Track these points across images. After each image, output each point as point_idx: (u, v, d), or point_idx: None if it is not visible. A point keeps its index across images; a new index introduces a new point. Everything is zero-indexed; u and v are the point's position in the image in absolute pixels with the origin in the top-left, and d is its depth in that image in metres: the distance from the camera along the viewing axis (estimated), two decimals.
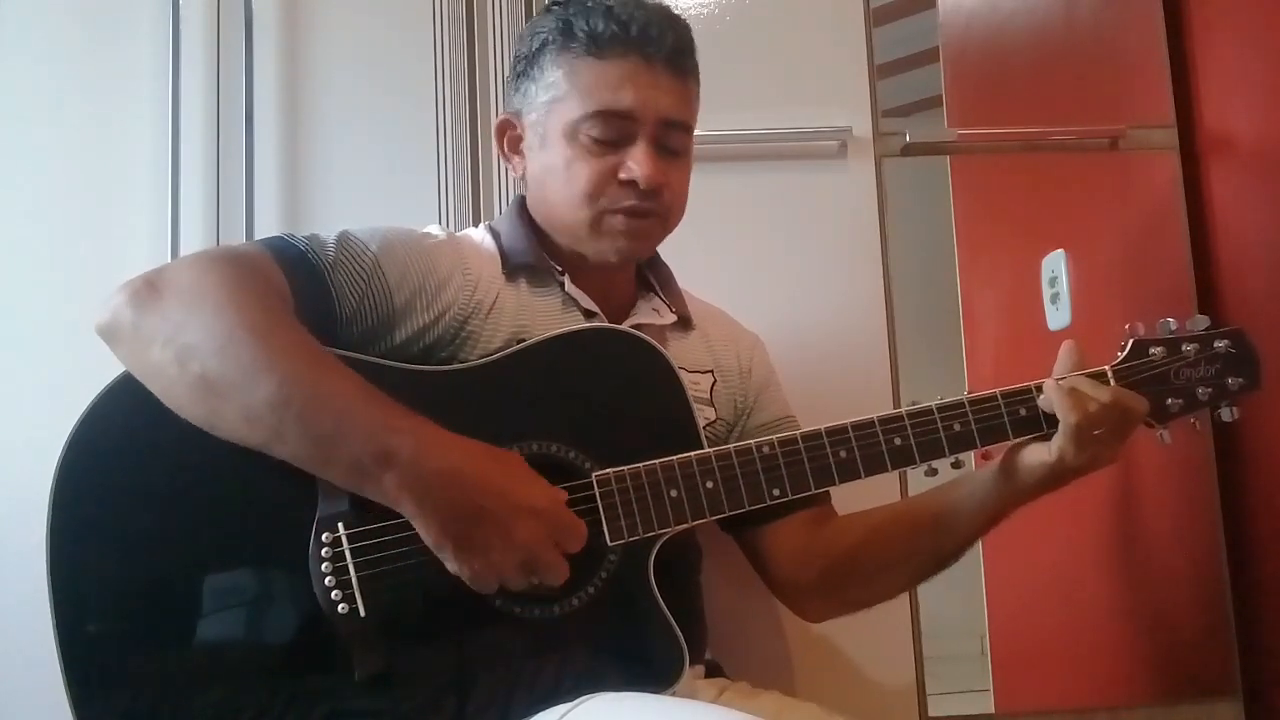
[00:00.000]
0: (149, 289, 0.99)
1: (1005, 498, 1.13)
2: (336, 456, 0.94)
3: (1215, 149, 1.66)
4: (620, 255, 1.18)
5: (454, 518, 0.95)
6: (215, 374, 0.94)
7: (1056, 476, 1.10)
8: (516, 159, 1.22)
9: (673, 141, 1.16)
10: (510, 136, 1.22)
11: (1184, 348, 1.15)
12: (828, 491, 1.22)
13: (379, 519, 0.98)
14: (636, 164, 1.13)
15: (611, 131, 1.13)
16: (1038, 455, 1.09)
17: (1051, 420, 1.09)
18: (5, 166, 1.53)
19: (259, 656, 1.00)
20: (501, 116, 1.22)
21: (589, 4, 1.15)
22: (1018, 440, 1.12)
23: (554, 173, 1.16)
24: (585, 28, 1.13)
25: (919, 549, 1.20)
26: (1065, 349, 1.14)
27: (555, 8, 1.17)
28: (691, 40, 1.18)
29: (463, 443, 0.98)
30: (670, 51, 1.14)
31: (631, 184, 1.13)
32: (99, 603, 0.99)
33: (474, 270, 1.15)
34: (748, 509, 1.09)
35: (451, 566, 0.96)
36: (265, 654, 1.00)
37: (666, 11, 1.17)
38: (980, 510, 1.15)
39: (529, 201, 1.22)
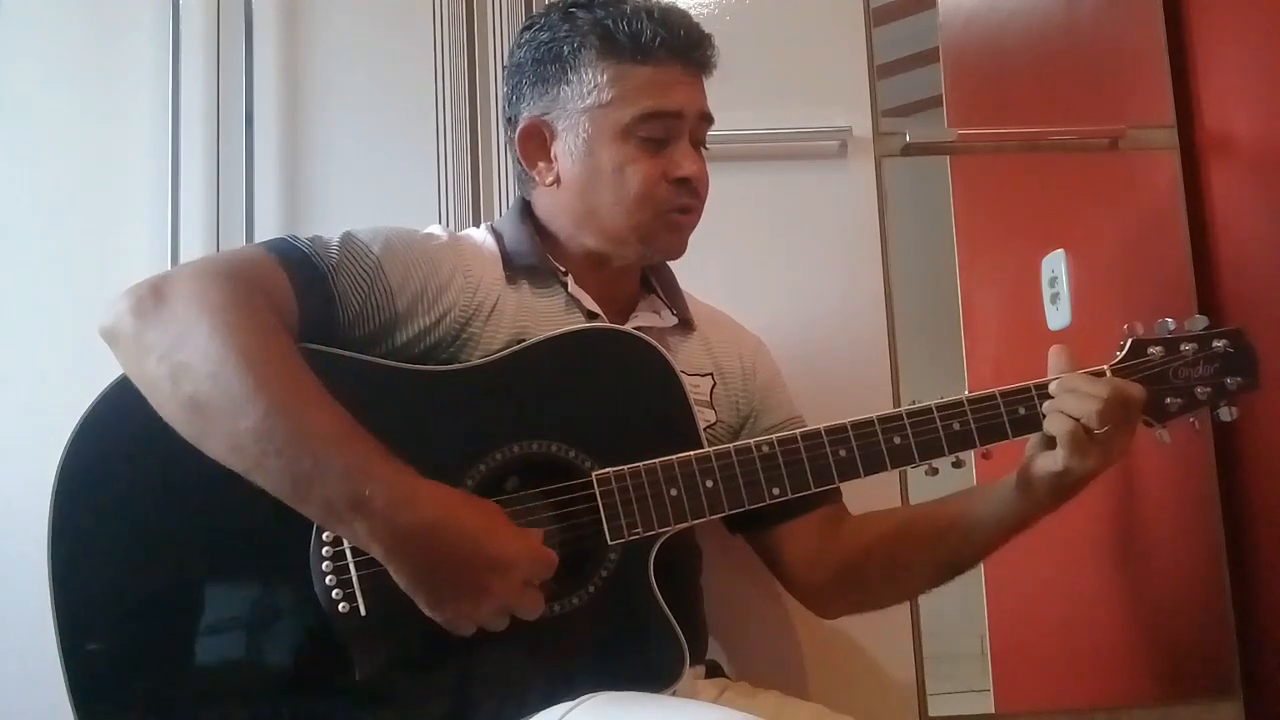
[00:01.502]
0: (153, 297, 0.99)
1: (1023, 512, 1.13)
2: (312, 496, 0.94)
3: (1215, 149, 1.66)
4: (671, 254, 1.23)
5: (425, 571, 0.94)
6: (205, 398, 0.94)
7: (1070, 485, 1.09)
8: (544, 164, 1.20)
9: (703, 136, 1.21)
10: (539, 140, 1.20)
11: (1183, 347, 1.15)
12: (839, 491, 1.23)
13: None
14: (688, 162, 1.16)
15: (660, 131, 1.16)
16: (1047, 466, 1.08)
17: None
18: (5, 166, 1.53)
19: (260, 656, 1.00)
20: (529, 120, 1.20)
21: (622, 8, 1.16)
22: (1028, 455, 1.11)
23: (602, 176, 1.16)
24: (628, 31, 1.14)
25: (935, 559, 1.21)
26: (1055, 353, 1.13)
27: (577, 11, 1.17)
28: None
29: (438, 492, 0.97)
30: (703, 54, 1.19)
31: (683, 182, 1.16)
32: (99, 604, 0.99)
33: (475, 272, 1.15)
34: (747, 508, 1.09)
35: (426, 612, 0.96)
36: (266, 653, 1.01)
37: (687, 12, 1.21)
38: (998, 525, 1.15)
39: (549, 205, 1.22)
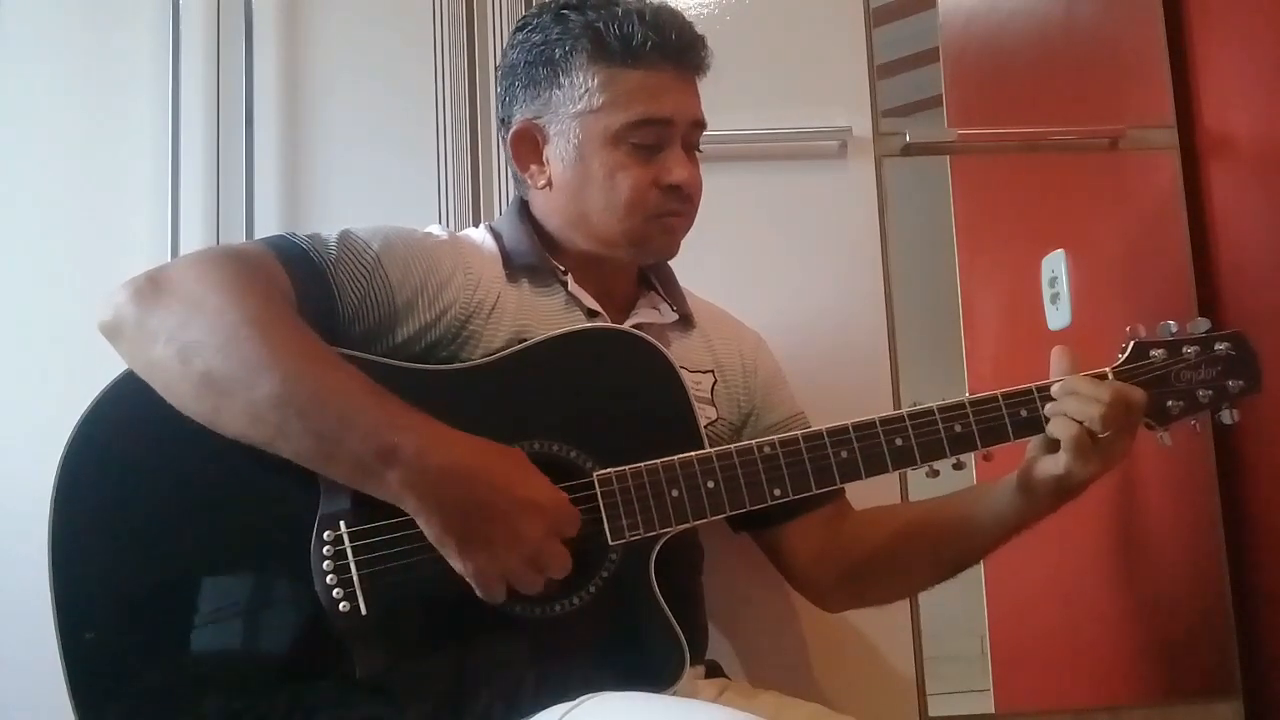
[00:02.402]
0: (151, 286, 0.99)
1: (1023, 513, 1.13)
2: (339, 454, 0.94)
3: (1215, 149, 1.66)
4: (663, 256, 1.23)
5: (457, 514, 0.95)
6: (218, 371, 0.94)
7: (1071, 488, 1.09)
8: (536, 167, 1.20)
9: (696, 140, 1.20)
10: (531, 144, 1.20)
11: (1185, 350, 1.14)
12: (842, 489, 1.23)
13: (380, 517, 0.98)
14: (679, 169, 1.16)
15: (651, 138, 1.15)
16: (1049, 469, 1.09)
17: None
18: (6, 166, 1.53)
19: (260, 654, 1.00)
20: (521, 123, 1.20)
21: (614, 10, 1.15)
22: (1029, 457, 1.12)
23: (593, 182, 1.16)
24: (619, 35, 1.14)
25: (938, 558, 1.22)
26: (1057, 354, 1.13)
27: (569, 12, 1.17)
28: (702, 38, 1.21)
29: (465, 439, 0.98)
30: (696, 57, 1.18)
31: (674, 189, 1.16)
32: (100, 602, 0.99)
33: (475, 270, 1.15)
34: (749, 509, 1.09)
35: (455, 564, 0.96)
36: (266, 652, 1.01)
37: (680, 13, 1.19)
38: (999, 525, 1.16)
39: (543, 206, 1.22)
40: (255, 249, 1.06)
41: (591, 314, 1.19)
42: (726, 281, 1.42)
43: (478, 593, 0.97)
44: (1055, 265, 1.74)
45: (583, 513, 1.04)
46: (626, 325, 1.19)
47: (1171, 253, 1.65)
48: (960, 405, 1.11)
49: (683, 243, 1.24)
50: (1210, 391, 1.14)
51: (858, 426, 1.10)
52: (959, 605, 1.69)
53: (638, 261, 1.24)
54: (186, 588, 1.00)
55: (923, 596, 1.51)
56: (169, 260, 1.46)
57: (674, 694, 1.03)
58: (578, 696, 0.96)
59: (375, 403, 0.96)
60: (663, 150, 1.16)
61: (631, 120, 1.14)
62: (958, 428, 1.10)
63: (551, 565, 0.98)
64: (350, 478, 0.96)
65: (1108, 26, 1.77)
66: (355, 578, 0.98)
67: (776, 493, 1.08)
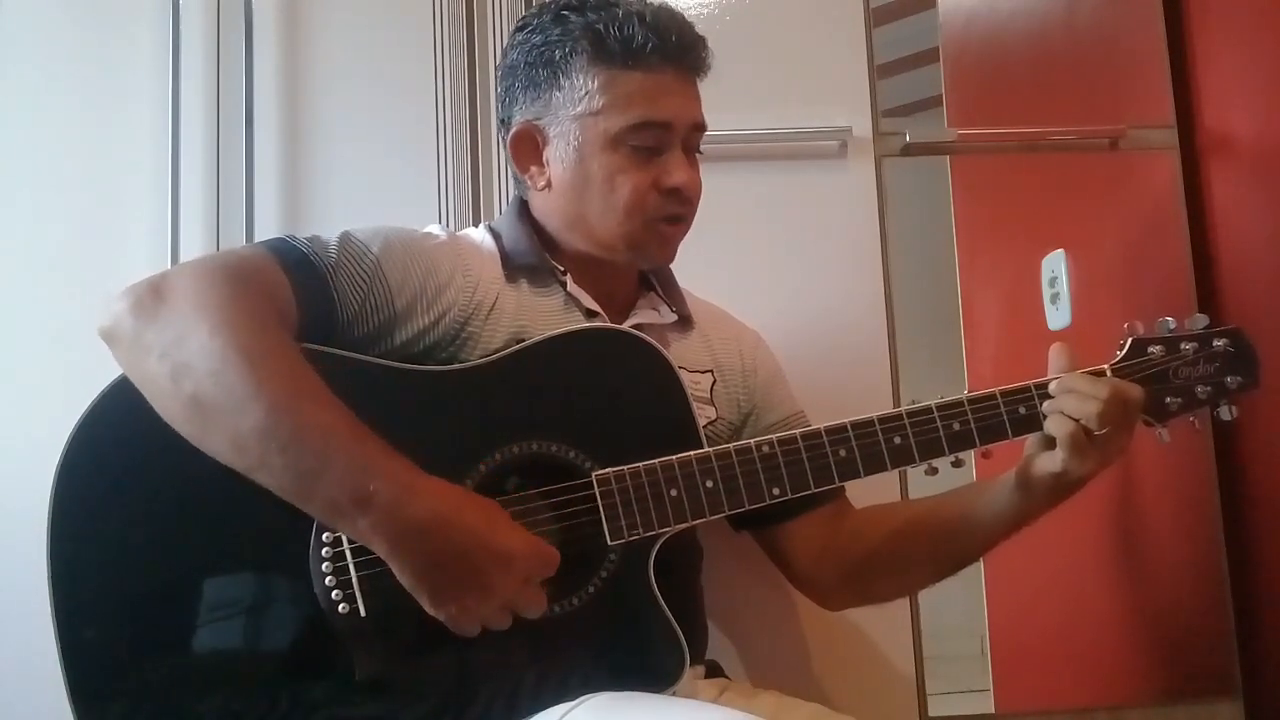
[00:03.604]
0: (152, 296, 0.99)
1: (1021, 510, 1.14)
2: (315, 493, 0.94)
3: (1215, 149, 1.66)
4: (660, 263, 1.23)
5: (428, 567, 0.94)
6: (206, 396, 0.94)
7: (1069, 485, 1.10)
8: (535, 168, 1.20)
9: (696, 143, 1.20)
10: (531, 145, 1.20)
11: (1183, 346, 1.14)
12: (842, 487, 1.23)
13: None
14: (679, 172, 1.16)
15: (651, 140, 1.15)
16: (1046, 467, 1.09)
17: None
18: (5, 166, 1.53)
19: (259, 656, 1.00)
20: (521, 125, 1.20)
21: (614, 12, 1.15)
22: (1027, 454, 1.12)
23: (593, 184, 1.16)
24: (619, 36, 1.13)
25: (939, 556, 1.22)
26: (1055, 352, 1.13)
27: (569, 14, 1.17)
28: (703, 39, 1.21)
29: (441, 488, 0.96)
30: (696, 59, 1.18)
31: (674, 192, 1.16)
32: (99, 604, 0.99)
33: (474, 271, 1.15)
34: (748, 508, 1.09)
35: (428, 610, 0.95)
36: (265, 653, 1.01)
37: (681, 14, 1.19)
38: (998, 522, 1.16)
39: (542, 207, 1.22)
40: (257, 255, 1.06)
41: (590, 314, 1.19)
42: (726, 281, 1.42)
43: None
44: (1055, 265, 1.74)
45: (582, 513, 1.05)
46: (625, 326, 1.19)
47: (1171, 253, 1.65)
48: (959, 403, 1.11)
49: (683, 243, 1.24)
50: (1208, 388, 1.14)
51: (856, 425, 1.10)
52: (959, 605, 1.70)
53: (634, 265, 1.24)
54: (185, 588, 1.00)
55: (923, 596, 1.51)
56: (169, 262, 1.47)
57: (674, 694, 1.04)
58: (577, 696, 0.96)
59: (355, 445, 0.94)
60: (663, 153, 1.16)
61: (631, 123, 1.14)
62: (956, 426, 1.10)
63: (526, 610, 0.97)
64: (325, 517, 0.96)
65: (1108, 26, 1.77)
66: (354, 579, 0.98)
67: (775, 492, 1.08)
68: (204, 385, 0.94)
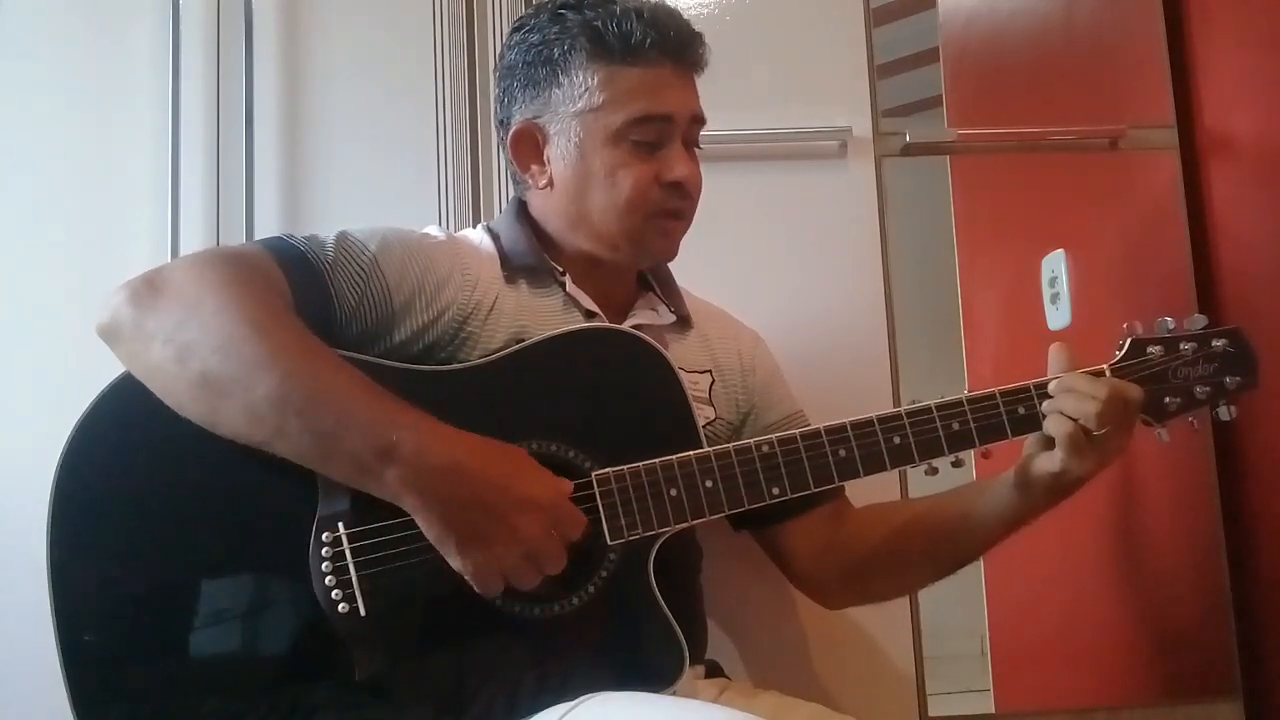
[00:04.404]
0: (149, 288, 0.99)
1: (1021, 510, 1.14)
2: (338, 452, 0.94)
3: (1215, 149, 1.66)
4: (662, 258, 1.23)
5: (456, 511, 0.95)
6: (216, 372, 0.94)
7: (1068, 485, 1.10)
8: (536, 167, 1.20)
9: (695, 137, 1.20)
10: (531, 144, 1.20)
11: (1182, 346, 1.14)
12: (842, 486, 1.23)
13: (379, 518, 0.98)
14: (680, 165, 1.16)
15: (652, 134, 1.15)
16: (1045, 467, 1.09)
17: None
18: (5, 166, 1.53)
19: (259, 657, 1.00)
20: (521, 123, 1.20)
21: (611, 9, 1.15)
22: (1027, 454, 1.12)
23: (595, 180, 1.16)
24: (617, 33, 1.14)
25: (939, 554, 1.22)
26: (1055, 351, 1.13)
27: (567, 12, 1.17)
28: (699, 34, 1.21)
29: (465, 436, 0.98)
30: (694, 54, 1.19)
31: (676, 185, 1.16)
32: (98, 604, 0.99)
33: (473, 271, 1.15)
34: (747, 508, 1.09)
35: (454, 561, 0.96)
36: (266, 654, 1.01)
37: (678, 11, 1.20)
38: (998, 522, 1.16)
39: (542, 207, 1.22)
40: (252, 251, 1.07)
41: (589, 315, 1.19)
42: (726, 281, 1.42)
43: (475, 587, 0.97)
44: (1055, 265, 1.74)
45: (582, 513, 1.05)
46: (624, 326, 1.19)
47: (1171, 253, 1.65)
48: (958, 403, 1.11)
49: (683, 242, 1.24)
50: (1208, 388, 1.14)
51: (855, 425, 1.10)
52: (959, 605, 1.70)
53: (636, 263, 1.24)
54: (185, 589, 1.00)
55: (923, 596, 1.51)
56: (168, 261, 1.47)
57: (674, 694, 1.03)
58: (578, 696, 0.96)
59: (374, 401, 0.96)
60: (663, 147, 1.16)
61: (632, 117, 1.14)
62: (955, 425, 1.10)
63: (548, 563, 0.98)
64: (349, 476, 0.96)
65: (1108, 26, 1.77)
66: (354, 579, 0.98)
67: (775, 491, 1.08)
68: (212, 361, 0.94)
